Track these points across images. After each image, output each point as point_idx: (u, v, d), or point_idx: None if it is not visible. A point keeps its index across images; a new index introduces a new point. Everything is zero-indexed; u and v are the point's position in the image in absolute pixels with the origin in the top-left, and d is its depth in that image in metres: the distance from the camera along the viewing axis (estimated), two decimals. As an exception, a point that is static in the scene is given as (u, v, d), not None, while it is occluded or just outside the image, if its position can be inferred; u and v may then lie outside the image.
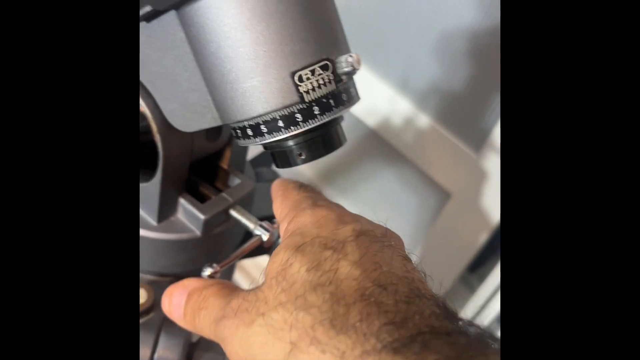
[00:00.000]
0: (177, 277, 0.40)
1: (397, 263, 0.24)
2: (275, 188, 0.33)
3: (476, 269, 1.00)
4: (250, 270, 1.04)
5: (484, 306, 0.86)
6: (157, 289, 0.38)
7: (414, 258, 0.27)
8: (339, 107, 0.28)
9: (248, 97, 0.27)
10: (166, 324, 0.37)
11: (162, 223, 0.38)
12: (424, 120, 0.85)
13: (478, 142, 0.81)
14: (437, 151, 0.86)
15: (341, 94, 0.28)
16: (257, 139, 0.28)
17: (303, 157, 0.29)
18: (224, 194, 0.39)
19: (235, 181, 0.40)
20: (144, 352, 0.36)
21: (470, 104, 0.80)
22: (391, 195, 0.99)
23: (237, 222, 0.39)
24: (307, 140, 0.29)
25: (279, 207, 0.31)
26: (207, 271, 0.33)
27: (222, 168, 0.41)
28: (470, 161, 0.81)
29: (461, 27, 0.76)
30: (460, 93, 0.82)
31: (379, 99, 0.87)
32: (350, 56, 0.27)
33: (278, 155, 0.30)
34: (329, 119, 0.28)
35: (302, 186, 0.32)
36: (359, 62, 0.27)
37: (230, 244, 0.42)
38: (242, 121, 0.28)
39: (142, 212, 0.38)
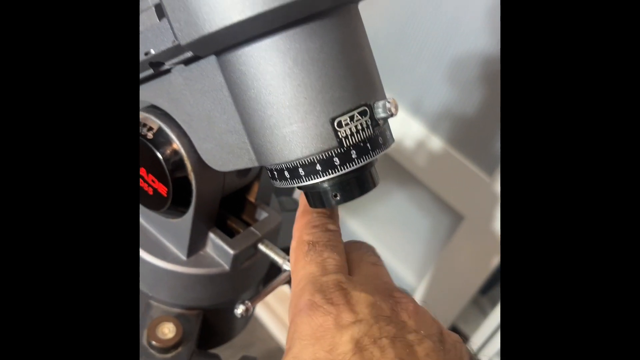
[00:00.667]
0: (205, 310, 0.40)
1: None
2: (295, 225, 0.32)
3: (488, 291, 1.00)
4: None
5: (496, 328, 0.86)
6: (185, 323, 0.39)
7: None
8: (376, 151, 0.29)
9: (288, 141, 0.28)
10: (196, 358, 0.37)
11: (192, 257, 0.38)
12: (436, 143, 0.86)
13: (491, 166, 0.81)
14: (450, 174, 0.87)
15: (378, 137, 0.29)
16: (294, 182, 0.29)
17: (338, 198, 0.30)
18: (252, 228, 0.39)
19: (263, 214, 0.41)
20: (174, 389, 0.36)
21: (483, 128, 0.81)
22: (404, 216, 0.99)
23: (265, 256, 0.39)
24: (342, 182, 0.29)
25: (290, 267, 0.31)
26: (240, 309, 0.33)
27: (249, 201, 0.41)
28: (483, 184, 0.81)
29: (475, 53, 0.77)
30: (473, 117, 0.83)
31: (392, 121, 0.88)
32: (388, 102, 0.28)
33: (312, 195, 0.31)
34: (366, 162, 0.28)
35: (312, 246, 0.30)
36: (396, 108, 0.28)
37: (256, 277, 0.42)
38: (280, 164, 0.29)
39: (171, 247, 0.39)
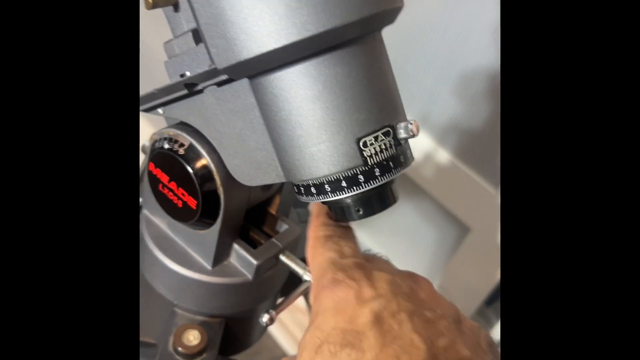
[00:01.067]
0: (227, 318, 0.42)
1: (417, 337, 0.25)
2: (310, 227, 0.34)
3: (493, 302, 1.01)
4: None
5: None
6: (209, 330, 0.40)
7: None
8: (397, 169, 0.30)
9: (316, 160, 0.29)
10: (219, 365, 0.39)
11: (217, 267, 0.40)
12: (443, 155, 0.87)
13: (497, 178, 0.83)
14: (457, 186, 0.88)
15: (399, 156, 0.30)
16: (320, 197, 0.31)
17: (360, 212, 0.32)
18: (274, 240, 0.41)
19: (283, 226, 0.42)
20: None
21: (489, 141, 0.83)
22: (410, 228, 1.00)
23: (286, 267, 0.41)
24: (365, 197, 0.31)
25: (309, 264, 0.32)
26: (265, 317, 0.35)
27: (270, 213, 0.43)
28: (489, 197, 0.83)
29: (481, 69, 0.79)
30: (479, 130, 0.84)
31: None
32: (410, 123, 0.30)
33: (335, 210, 0.32)
34: (388, 180, 0.30)
35: (328, 237, 0.32)
36: (417, 129, 0.30)
37: (276, 287, 0.44)
38: (308, 180, 0.30)
39: (197, 257, 0.40)
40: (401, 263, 1.07)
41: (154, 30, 1.30)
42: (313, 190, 0.31)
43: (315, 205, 0.34)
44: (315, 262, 0.31)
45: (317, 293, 0.29)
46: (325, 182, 0.30)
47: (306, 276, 0.39)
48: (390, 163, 0.30)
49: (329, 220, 0.33)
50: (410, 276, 0.30)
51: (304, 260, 0.40)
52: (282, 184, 0.42)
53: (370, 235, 1.07)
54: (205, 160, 0.35)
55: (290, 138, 0.30)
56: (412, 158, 0.32)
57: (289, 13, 0.26)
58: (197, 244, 0.40)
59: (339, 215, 0.33)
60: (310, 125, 0.29)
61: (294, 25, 0.26)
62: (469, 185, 0.86)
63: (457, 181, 0.88)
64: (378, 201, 0.32)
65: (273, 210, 0.43)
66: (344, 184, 0.30)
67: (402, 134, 0.30)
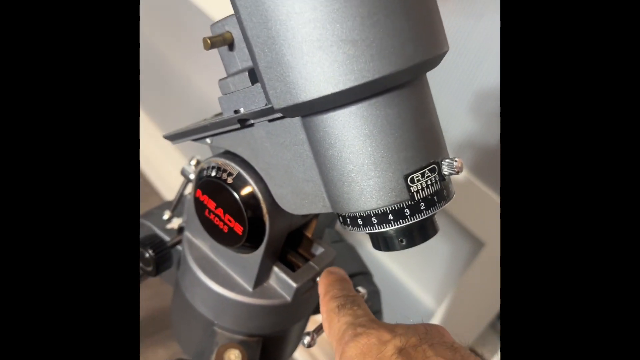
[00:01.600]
0: (264, 337, 0.44)
1: None
2: (322, 303, 0.36)
3: (505, 315, 1.02)
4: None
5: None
6: (248, 349, 0.42)
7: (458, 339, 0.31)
8: (441, 203, 0.32)
9: (364, 194, 0.31)
10: (259, 383, 0.41)
11: (257, 289, 0.42)
12: (459, 172, 0.89)
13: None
14: (472, 201, 0.90)
15: (443, 190, 0.32)
16: (367, 229, 0.32)
17: (403, 243, 0.33)
18: (311, 263, 0.42)
19: (319, 249, 0.44)
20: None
21: (505, 159, 0.84)
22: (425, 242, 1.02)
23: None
24: (409, 229, 0.33)
25: (328, 334, 0.35)
26: (307, 339, 0.36)
27: (306, 237, 0.44)
28: (504, 213, 0.84)
29: (497, 88, 0.81)
30: (494, 147, 0.86)
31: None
32: (455, 161, 0.31)
33: (378, 239, 0.34)
34: (432, 213, 0.32)
35: (341, 306, 0.35)
36: (461, 167, 0.32)
37: (311, 308, 0.46)
38: (355, 212, 0.32)
39: (238, 279, 0.42)
40: (414, 277, 1.08)
41: (171, 43, 1.32)
42: (360, 222, 0.32)
43: (321, 283, 0.37)
44: (334, 329, 0.34)
45: (341, 351, 0.32)
46: (372, 214, 0.32)
47: None
48: (435, 197, 0.32)
49: (338, 292, 0.36)
50: (425, 324, 0.33)
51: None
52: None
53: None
54: (252, 188, 0.37)
55: (339, 173, 0.32)
56: (454, 192, 0.34)
57: (347, 61, 0.27)
58: (239, 266, 0.42)
59: (380, 244, 0.34)
60: (361, 162, 0.31)
61: (351, 72, 0.27)
62: (483, 200, 0.87)
63: (471, 196, 0.89)
64: (420, 232, 0.33)
65: (309, 233, 0.44)
66: (390, 217, 0.31)
67: (446, 170, 0.32)
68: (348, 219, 0.33)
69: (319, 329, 0.39)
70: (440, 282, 1.03)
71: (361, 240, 1.04)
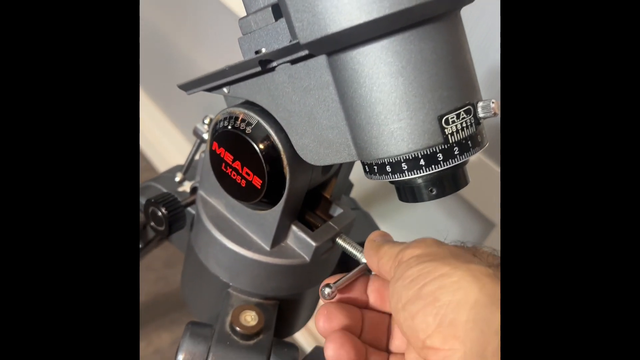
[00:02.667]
0: (280, 300, 0.42)
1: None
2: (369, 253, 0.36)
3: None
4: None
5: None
6: (265, 312, 0.40)
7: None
8: (475, 148, 0.30)
9: (395, 137, 0.29)
10: (275, 345, 0.39)
11: (275, 248, 0.40)
12: (471, 151, 0.87)
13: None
14: (482, 181, 0.88)
15: (477, 135, 0.30)
16: (396, 176, 0.31)
17: (433, 193, 0.32)
18: (330, 223, 0.41)
19: (337, 210, 0.42)
20: (257, 372, 0.38)
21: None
22: (434, 223, 1.00)
23: (341, 249, 0.41)
24: (439, 177, 0.31)
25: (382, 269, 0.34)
26: (327, 290, 0.35)
27: (325, 197, 0.43)
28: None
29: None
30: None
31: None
32: (492, 102, 0.30)
33: (405, 190, 0.32)
34: (466, 159, 0.30)
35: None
36: (498, 108, 0.30)
37: (330, 270, 0.44)
38: (384, 159, 0.30)
39: (255, 238, 0.40)
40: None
41: (174, 21, 1.30)
42: (388, 168, 0.31)
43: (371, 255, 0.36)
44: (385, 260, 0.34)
45: (401, 249, 0.33)
46: (402, 160, 0.30)
47: (363, 259, 0.39)
48: (469, 142, 0.30)
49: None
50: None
51: (360, 243, 0.41)
52: (339, 167, 0.42)
53: (393, 230, 1.07)
54: (272, 139, 0.35)
55: (368, 115, 0.30)
56: (487, 140, 0.33)
57: None
58: (256, 224, 0.40)
59: (408, 196, 0.33)
60: (392, 102, 0.29)
61: None
62: (493, 180, 0.86)
63: (481, 176, 0.88)
64: (451, 181, 0.32)
65: (328, 194, 0.43)
66: (422, 162, 0.30)
67: (481, 112, 0.30)
68: (375, 167, 0.31)
69: (339, 283, 0.37)
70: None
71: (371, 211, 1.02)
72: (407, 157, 0.30)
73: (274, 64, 0.33)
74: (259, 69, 0.33)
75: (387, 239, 0.36)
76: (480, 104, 0.30)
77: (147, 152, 1.53)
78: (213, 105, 0.97)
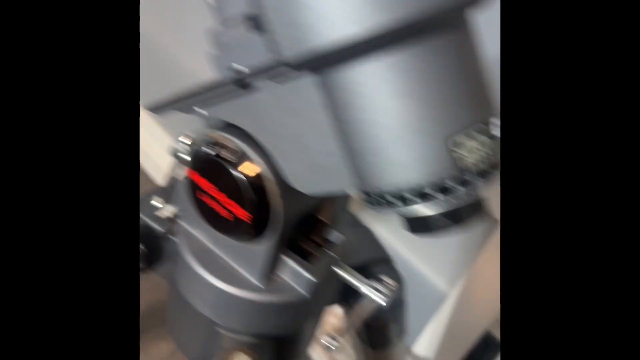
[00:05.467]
0: (276, 340, 0.38)
1: None
2: None
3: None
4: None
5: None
6: (259, 352, 0.36)
7: None
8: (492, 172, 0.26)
9: (405, 166, 0.25)
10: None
11: (267, 284, 0.36)
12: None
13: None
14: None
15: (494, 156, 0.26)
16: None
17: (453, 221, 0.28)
18: (330, 252, 0.37)
19: (334, 234, 0.38)
20: None
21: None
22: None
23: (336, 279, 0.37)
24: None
25: None
26: (334, 345, 0.31)
27: (320, 220, 0.39)
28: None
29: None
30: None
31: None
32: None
33: (415, 221, 0.28)
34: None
35: None
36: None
37: (329, 300, 0.40)
38: (392, 188, 0.26)
39: (245, 273, 0.36)
40: (425, 258, 1.04)
41: (156, 21, 1.26)
42: (399, 202, 0.26)
43: None
44: None
45: None
46: (411, 190, 0.26)
47: (363, 288, 0.35)
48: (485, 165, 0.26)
49: None
50: None
51: (360, 265, 0.37)
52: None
53: (392, 228, 1.03)
54: (258, 167, 0.31)
55: (371, 141, 0.25)
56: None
57: None
58: (244, 258, 0.36)
59: (417, 228, 0.28)
60: (398, 126, 0.25)
61: (390, 4, 0.21)
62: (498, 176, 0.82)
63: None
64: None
65: (323, 216, 0.39)
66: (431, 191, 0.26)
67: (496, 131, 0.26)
68: (378, 197, 0.27)
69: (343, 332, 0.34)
70: (453, 263, 0.97)
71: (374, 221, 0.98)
72: (415, 187, 0.26)
73: (257, 83, 0.28)
74: (237, 90, 0.29)
75: None
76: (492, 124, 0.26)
77: (144, 164, 1.48)
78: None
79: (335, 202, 0.38)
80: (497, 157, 0.27)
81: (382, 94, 0.24)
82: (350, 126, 0.26)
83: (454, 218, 0.27)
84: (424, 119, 0.24)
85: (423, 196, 0.26)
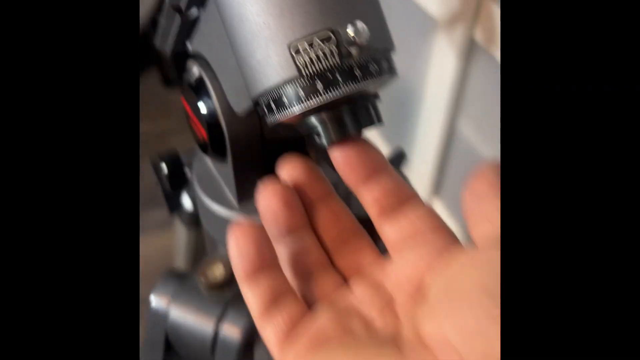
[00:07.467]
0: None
1: None
2: None
3: None
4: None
5: None
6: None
7: None
8: (351, 82, 0.26)
9: (260, 69, 0.27)
10: (234, 301, 0.39)
11: (244, 204, 0.40)
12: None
13: None
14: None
15: (353, 68, 0.26)
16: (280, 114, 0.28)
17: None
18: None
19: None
20: (210, 324, 0.39)
21: None
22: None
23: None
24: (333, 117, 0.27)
25: None
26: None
27: (308, 156, 0.40)
28: None
29: None
30: None
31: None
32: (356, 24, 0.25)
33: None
34: (338, 97, 0.26)
35: None
36: (366, 35, 0.25)
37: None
38: (263, 94, 0.28)
39: (227, 192, 0.41)
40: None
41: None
42: (273, 106, 0.28)
43: None
44: None
45: None
46: (279, 95, 0.27)
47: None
48: (337, 75, 0.26)
49: None
50: None
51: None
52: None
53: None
54: (208, 89, 0.35)
55: (241, 49, 0.28)
56: (389, 72, 0.27)
57: None
58: (224, 178, 0.40)
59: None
60: (253, 32, 0.26)
61: None
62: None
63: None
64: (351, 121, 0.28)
65: (312, 153, 0.40)
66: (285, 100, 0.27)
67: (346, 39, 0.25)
68: (265, 107, 0.28)
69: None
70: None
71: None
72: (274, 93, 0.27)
73: (193, 11, 0.33)
74: (177, 14, 0.33)
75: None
76: (344, 30, 0.25)
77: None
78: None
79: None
80: (345, 61, 0.26)
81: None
82: (230, 35, 0.28)
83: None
84: (269, 26, 0.26)
85: (278, 103, 0.27)
